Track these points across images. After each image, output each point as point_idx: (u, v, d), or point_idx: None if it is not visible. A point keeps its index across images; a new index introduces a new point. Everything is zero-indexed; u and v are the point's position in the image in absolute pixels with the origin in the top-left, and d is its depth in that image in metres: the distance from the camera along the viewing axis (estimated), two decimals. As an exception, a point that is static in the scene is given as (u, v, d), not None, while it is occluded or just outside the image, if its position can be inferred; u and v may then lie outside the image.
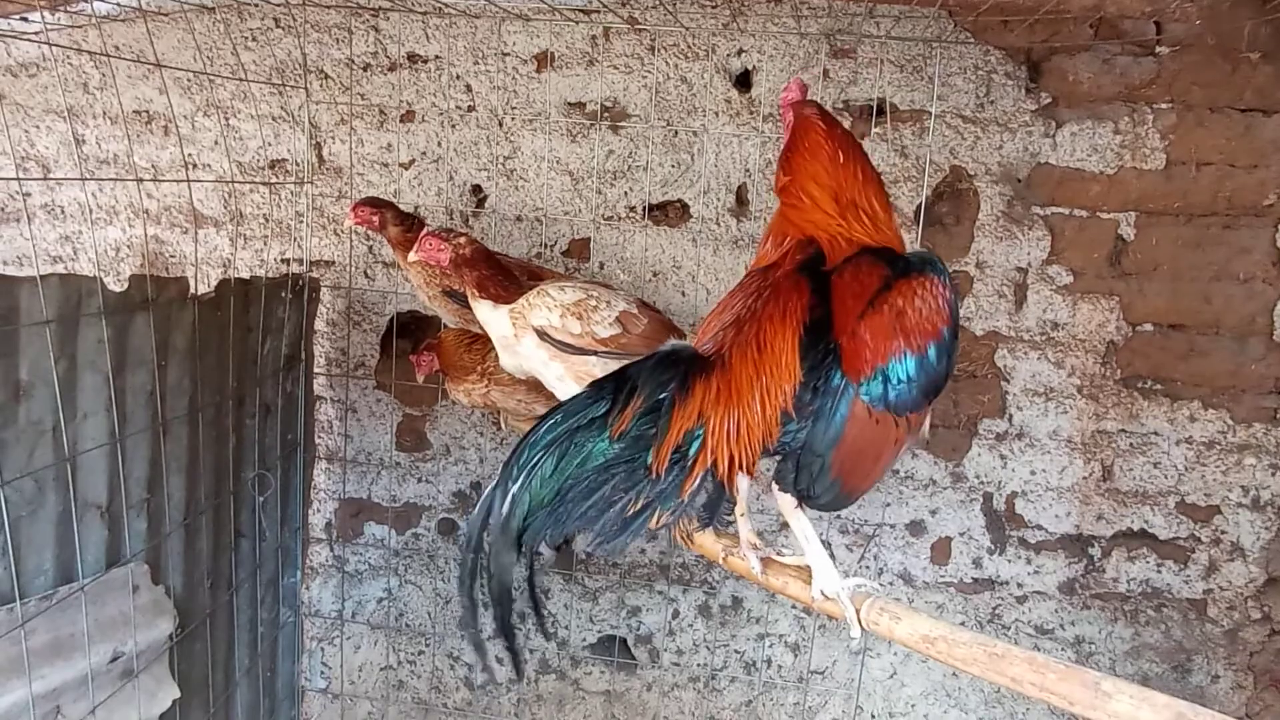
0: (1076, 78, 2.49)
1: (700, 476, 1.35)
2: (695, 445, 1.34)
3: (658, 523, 1.35)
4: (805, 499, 1.41)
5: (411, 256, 2.04)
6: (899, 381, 1.34)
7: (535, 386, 2.22)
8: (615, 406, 1.31)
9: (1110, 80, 2.48)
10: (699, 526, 1.42)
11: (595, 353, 1.90)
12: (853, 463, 1.37)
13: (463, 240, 1.98)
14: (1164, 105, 2.47)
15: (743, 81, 2.64)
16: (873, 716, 2.88)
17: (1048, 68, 2.51)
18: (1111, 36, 2.45)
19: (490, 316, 1.99)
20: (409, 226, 2.37)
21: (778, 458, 1.44)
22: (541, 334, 1.91)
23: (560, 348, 1.90)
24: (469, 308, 2.08)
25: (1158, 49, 2.45)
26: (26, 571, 1.81)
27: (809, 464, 1.37)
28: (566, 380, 1.91)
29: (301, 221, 2.85)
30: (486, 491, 1.31)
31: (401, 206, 2.47)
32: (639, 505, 1.33)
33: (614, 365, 1.86)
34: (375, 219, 2.35)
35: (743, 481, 1.50)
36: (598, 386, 1.35)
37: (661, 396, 1.34)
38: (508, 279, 2.02)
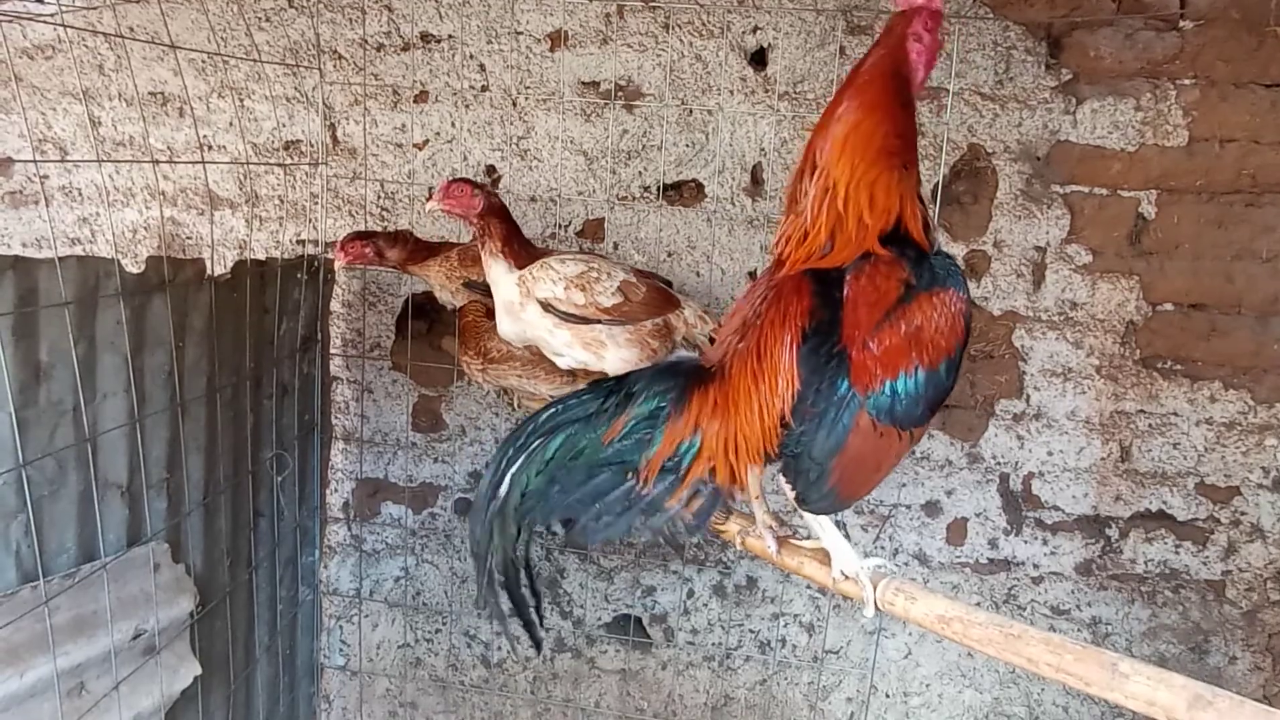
0: (1098, 53, 2.45)
1: (692, 486, 1.36)
2: (689, 457, 1.35)
3: (644, 523, 1.38)
4: (799, 502, 1.40)
5: (430, 206, 1.94)
6: (907, 396, 1.31)
7: (531, 361, 2.28)
8: (609, 412, 1.35)
9: (1132, 56, 2.44)
10: (687, 533, 1.43)
11: (599, 321, 1.93)
12: (852, 472, 1.35)
13: (493, 191, 2.01)
14: (1187, 81, 2.42)
15: (758, 59, 2.61)
16: (887, 696, 2.88)
17: (1068, 43, 2.47)
18: (1134, 11, 2.41)
19: (503, 279, 1.98)
20: (404, 243, 2.33)
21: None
22: (546, 305, 1.93)
23: (565, 318, 1.93)
24: (488, 294, 2.09)
25: (1181, 23, 2.40)
26: (49, 550, 1.84)
27: (807, 470, 1.35)
28: (574, 347, 1.94)
29: (316, 203, 2.86)
30: (489, 471, 1.36)
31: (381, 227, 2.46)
32: (625, 506, 1.36)
33: (617, 331, 1.94)
34: (369, 250, 2.29)
35: (752, 470, 1.51)
36: (598, 385, 1.38)
37: (660, 406, 1.35)
38: (525, 244, 2.03)
